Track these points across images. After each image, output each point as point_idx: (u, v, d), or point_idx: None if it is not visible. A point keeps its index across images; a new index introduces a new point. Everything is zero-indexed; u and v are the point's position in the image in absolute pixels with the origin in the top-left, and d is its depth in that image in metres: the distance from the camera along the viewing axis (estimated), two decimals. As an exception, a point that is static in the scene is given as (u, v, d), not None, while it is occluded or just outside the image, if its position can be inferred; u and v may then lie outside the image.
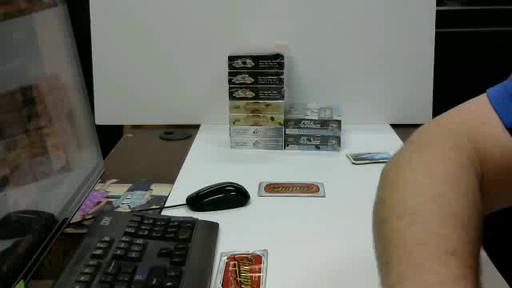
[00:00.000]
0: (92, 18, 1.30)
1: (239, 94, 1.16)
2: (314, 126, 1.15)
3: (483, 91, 0.64)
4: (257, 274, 0.68)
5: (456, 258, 0.45)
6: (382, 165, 1.16)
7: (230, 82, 1.15)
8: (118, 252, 0.68)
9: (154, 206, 0.91)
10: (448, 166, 0.53)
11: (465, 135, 0.58)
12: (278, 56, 1.14)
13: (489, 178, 0.56)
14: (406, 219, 0.48)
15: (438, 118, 0.62)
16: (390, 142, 1.21)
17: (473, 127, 0.59)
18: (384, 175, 0.56)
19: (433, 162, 0.54)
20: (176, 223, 0.77)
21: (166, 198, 0.94)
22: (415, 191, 0.51)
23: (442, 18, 1.30)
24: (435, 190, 0.50)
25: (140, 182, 1.01)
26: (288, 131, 1.17)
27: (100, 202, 0.94)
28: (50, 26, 0.77)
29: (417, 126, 1.42)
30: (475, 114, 0.61)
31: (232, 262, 0.71)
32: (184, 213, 0.87)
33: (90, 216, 0.88)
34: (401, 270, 0.45)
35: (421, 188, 0.51)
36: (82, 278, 0.61)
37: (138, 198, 0.95)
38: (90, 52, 1.30)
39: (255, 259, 0.71)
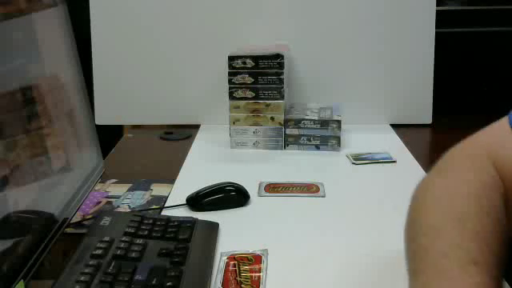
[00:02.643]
0: (92, 18, 1.30)
1: (239, 93, 1.16)
2: (314, 126, 1.15)
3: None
4: (257, 274, 0.68)
5: (478, 267, 0.47)
6: (382, 165, 1.17)
7: (230, 82, 1.15)
8: (118, 252, 0.68)
9: (154, 206, 0.91)
10: (470, 186, 0.57)
11: (485, 158, 0.60)
12: (278, 56, 1.14)
13: (510, 197, 0.58)
14: (431, 236, 0.52)
15: (461, 143, 0.64)
16: (390, 142, 1.21)
17: (493, 150, 0.61)
18: (413, 199, 0.59)
19: (455, 184, 0.58)
20: (176, 223, 0.77)
21: (166, 198, 0.94)
22: (439, 212, 0.54)
23: (442, 18, 1.30)
24: (458, 210, 0.54)
25: (140, 182, 1.01)
26: (288, 131, 1.17)
27: (100, 202, 0.94)
28: (50, 26, 0.77)
29: (417, 126, 1.41)
30: (496, 137, 0.63)
31: (232, 262, 0.71)
32: (184, 213, 0.87)
33: (89, 216, 0.88)
34: (425, 279, 0.48)
35: (444, 209, 0.55)
36: (82, 278, 0.61)
37: (138, 198, 0.95)
38: (90, 52, 1.30)
39: (255, 259, 0.71)
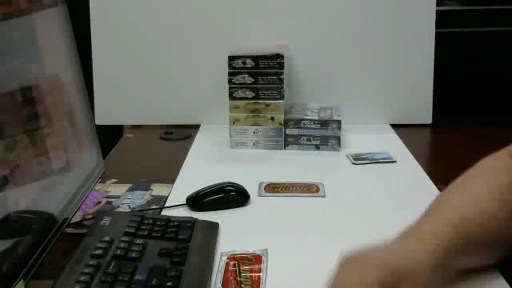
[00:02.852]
0: (92, 18, 1.30)
1: (239, 93, 1.16)
2: (314, 126, 1.15)
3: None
4: (257, 274, 0.68)
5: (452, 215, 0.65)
6: (382, 165, 1.17)
7: (230, 81, 1.15)
8: (118, 252, 0.68)
9: (154, 206, 0.91)
10: (483, 172, 0.71)
11: (506, 155, 0.73)
12: (278, 56, 1.14)
13: None
14: (436, 198, 0.71)
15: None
16: (390, 142, 1.21)
17: None
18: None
19: (473, 171, 0.72)
20: (176, 223, 0.77)
21: (166, 198, 0.94)
22: (452, 187, 0.71)
23: (442, 18, 1.30)
24: (463, 183, 0.71)
25: (140, 182, 1.01)
26: (288, 131, 1.17)
27: (100, 202, 0.94)
28: (50, 26, 0.77)
29: (417, 126, 1.42)
30: None
31: (232, 262, 0.71)
32: (184, 213, 0.87)
33: (89, 216, 0.88)
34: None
35: (456, 184, 0.71)
36: (82, 278, 0.61)
37: (138, 198, 0.95)
38: (90, 52, 1.30)
39: (255, 259, 0.71)
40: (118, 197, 0.96)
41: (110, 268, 0.64)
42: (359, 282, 0.55)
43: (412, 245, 0.62)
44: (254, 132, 1.17)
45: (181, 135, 1.31)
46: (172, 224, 0.76)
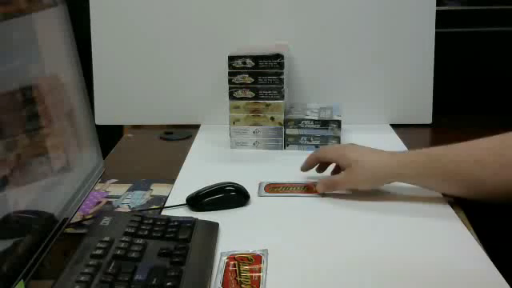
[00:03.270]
0: (92, 17, 1.30)
1: (239, 94, 1.16)
2: (314, 126, 1.15)
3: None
4: (257, 274, 0.68)
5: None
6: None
7: (230, 82, 1.15)
8: (118, 252, 0.68)
9: (154, 206, 0.91)
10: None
11: None
12: (278, 56, 1.14)
13: None
14: None
15: None
16: (390, 142, 1.21)
17: None
18: None
19: None
20: (176, 223, 0.77)
21: (166, 198, 0.94)
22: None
23: (442, 18, 1.30)
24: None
25: (140, 182, 1.01)
26: (288, 131, 1.17)
27: (100, 202, 0.94)
28: (50, 25, 0.77)
29: (417, 126, 1.42)
30: None
31: (232, 262, 0.71)
32: (184, 213, 0.87)
33: (89, 216, 0.88)
34: None
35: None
36: (82, 278, 0.61)
37: (138, 198, 0.95)
38: (90, 52, 1.30)
39: (255, 259, 0.71)
40: (118, 197, 0.96)
41: (110, 268, 0.64)
42: (318, 155, 0.96)
43: (385, 154, 0.88)
44: (254, 132, 1.18)
45: (181, 135, 1.31)
46: (172, 224, 0.76)
